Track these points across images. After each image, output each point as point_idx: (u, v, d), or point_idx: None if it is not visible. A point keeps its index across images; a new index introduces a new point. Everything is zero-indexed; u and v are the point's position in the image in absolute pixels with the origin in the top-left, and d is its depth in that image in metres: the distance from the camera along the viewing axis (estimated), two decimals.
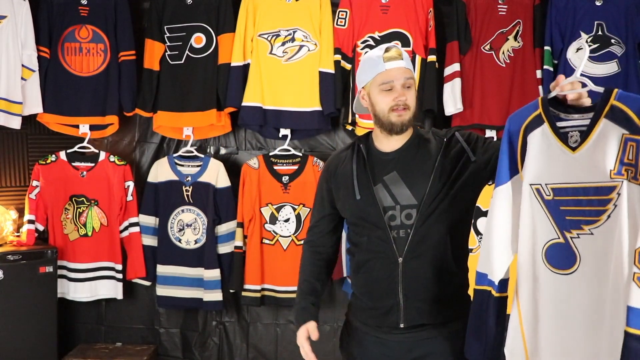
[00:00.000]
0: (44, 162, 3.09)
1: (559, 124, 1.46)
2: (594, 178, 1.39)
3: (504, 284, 1.58)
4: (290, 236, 3.09)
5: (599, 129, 1.39)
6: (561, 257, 1.45)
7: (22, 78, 2.94)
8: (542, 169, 1.47)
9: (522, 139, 1.51)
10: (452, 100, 3.03)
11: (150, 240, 3.16)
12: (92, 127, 3.13)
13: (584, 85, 1.48)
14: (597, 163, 1.38)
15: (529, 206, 1.49)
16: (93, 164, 3.13)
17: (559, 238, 1.46)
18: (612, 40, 2.94)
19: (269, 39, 3.08)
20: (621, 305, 1.35)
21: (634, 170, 1.33)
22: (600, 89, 1.43)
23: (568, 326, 1.45)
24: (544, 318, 1.48)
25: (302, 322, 1.83)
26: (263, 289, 3.09)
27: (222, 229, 3.14)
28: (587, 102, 1.47)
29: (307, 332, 1.81)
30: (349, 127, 3.14)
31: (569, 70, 2.93)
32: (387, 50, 1.72)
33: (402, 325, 1.70)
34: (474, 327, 1.61)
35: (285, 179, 3.10)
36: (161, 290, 3.14)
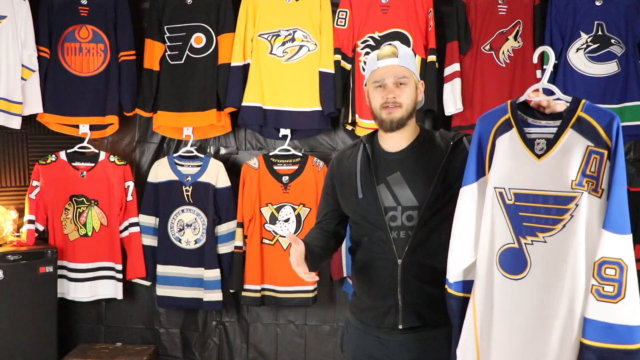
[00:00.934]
0: (44, 162, 3.09)
1: (527, 129, 1.48)
2: (556, 187, 1.40)
3: (468, 285, 1.58)
4: None
5: (565, 138, 1.41)
6: (513, 262, 1.47)
7: (22, 78, 2.93)
8: (507, 173, 1.49)
9: (492, 141, 1.53)
10: (452, 100, 3.03)
11: (150, 240, 3.16)
12: (92, 127, 3.13)
13: (552, 93, 1.50)
14: (560, 172, 1.39)
15: (491, 209, 1.51)
16: (93, 164, 3.13)
17: (513, 243, 1.47)
18: (612, 40, 2.94)
19: (269, 39, 3.08)
20: (575, 315, 1.36)
21: (595, 183, 1.35)
22: (569, 98, 1.45)
23: (514, 330, 1.46)
24: (496, 320, 1.50)
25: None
26: (263, 289, 3.09)
27: (222, 229, 3.14)
28: (559, 107, 1.47)
29: (295, 250, 1.62)
30: (349, 127, 3.14)
31: (569, 70, 2.94)
32: (382, 48, 1.74)
33: (400, 327, 1.71)
34: (455, 332, 1.64)
35: (285, 179, 3.10)
36: (161, 290, 3.14)
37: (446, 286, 1.61)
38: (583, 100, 1.42)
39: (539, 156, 1.44)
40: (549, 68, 1.56)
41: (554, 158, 1.41)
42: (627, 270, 1.31)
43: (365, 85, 1.80)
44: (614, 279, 1.31)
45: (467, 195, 1.56)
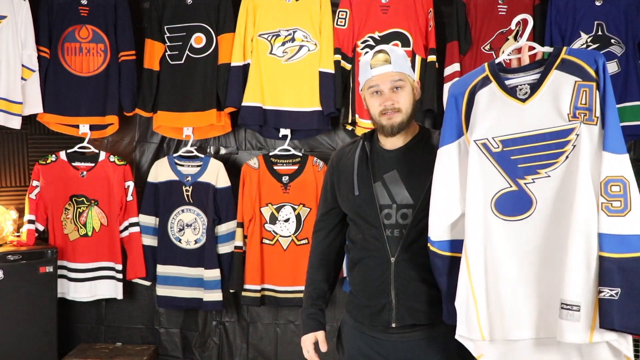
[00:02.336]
0: (44, 162, 3.09)
1: (507, 82, 1.58)
2: (550, 123, 1.50)
3: (457, 244, 1.63)
4: (290, 236, 3.09)
5: (550, 79, 1.51)
6: (514, 204, 1.55)
7: (22, 78, 2.94)
8: (489, 124, 1.57)
9: (467, 100, 1.61)
10: None
11: (150, 240, 3.16)
12: (92, 127, 3.13)
13: (533, 49, 1.61)
14: (552, 109, 1.49)
15: (477, 162, 1.58)
16: (93, 164, 3.13)
17: (511, 187, 1.56)
18: (612, 40, 2.94)
19: (269, 39, 3.08)
20: (592, 233, 1.45)
21: (587, 113, 1.46)
22: (550, 49, 1.56)
23: (525, 268, 1.55)
24: (502, 265, 1.56)
25: (309, 330, 1.87)
26: (263, 289, 3.09)
27: (222, 229, 3.14)
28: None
29: (314, 338, 1.85)
30: (349, 127, 3.14)
31: None
32: (374, 56, 1.73)
33: (393, 325, 1.71)
34: (442, 291, 1.67)
35: (285, 179, 3.10)
36: (161, 290, 3.14)
37: (429, 244, 1.63)
38: (565, 47, 1.55)
39: (523, 100, 1.54)
40: (528, 29, 1.66)
41: (542, 98, 1.51)
42: (630, 185, 1.43)
43: (361, 90, 1.81)
44: (620, 195, 1.43)
45: (446, 154, 1.62)
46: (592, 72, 1.46)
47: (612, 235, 1.43)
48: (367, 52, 1.82)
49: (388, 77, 1.71)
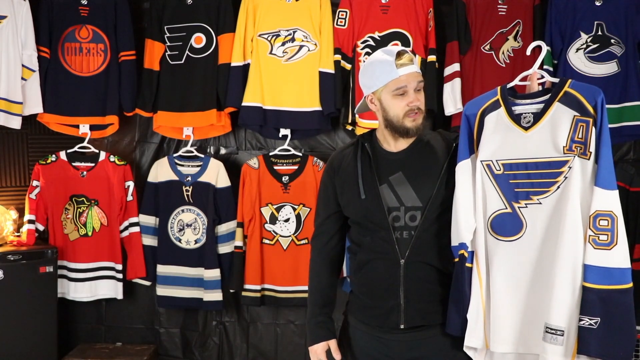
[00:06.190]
0: (44, 162, 3.09)
1: (514, 108, 1.66)
2: (546, 154, 1.58)
3: (471, 255, 1.69)
4: (290, 236, 3.09)
5: (552, 111, 1.59)
6: (507, 226, 1.63)
7: (22, 78, 2.94)
8: (494, 147, 1.65)
9: (479, 121, 1.70)
10: (452, 100, 3.03)
11: (150, 240, 3.17)
12: (92, 127, 3.14)
13: (543, 77, 1.69)
14: (551, 140, 1.57)
15: (481, 181, 1.67)
16: (93, 164, 3.13)
17: (506, 208, 1.64)
18: (612, 40, 2.94)
19: (269, 39, 3.08)
20: (578, 261, 1.53)
21: (583, 147, 1.53)
22: (556, 80, 1.64)
23: (515, 285, 1.63)
24: (496, 281, 1.65)
25: (320, 339, 1.84)
26: (263, 289, 3.09)
27: (222, 229, 3.15)
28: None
29: (326, 347, 1.83)
30: (349, 127, 3.14)
31: (568, 71, 2.93)
32: (399, 56, 1.70)
33: (402, 326, 1.71)
34: (454, 299, 1.69)
35: (285, 179, 3.10)
36: (161, 290, 3.14)
37: (463, 251, 1.66)
38: (569, 80, 1.61)
39: (526, 128, 1.62)
40: (542, 56, 1.69)
41: (543, 129, 1.59)
42: (617, 221, 1.50)
43: (375, 92, 1.74)
44: (607, 229, 1.50)
45: (463, 170, 1.69)
46: (590, 109, 1.53)
47: (596, 267, 1.50)
48: (367, 52, 1.81)
49: (414, 78, 1.71)
